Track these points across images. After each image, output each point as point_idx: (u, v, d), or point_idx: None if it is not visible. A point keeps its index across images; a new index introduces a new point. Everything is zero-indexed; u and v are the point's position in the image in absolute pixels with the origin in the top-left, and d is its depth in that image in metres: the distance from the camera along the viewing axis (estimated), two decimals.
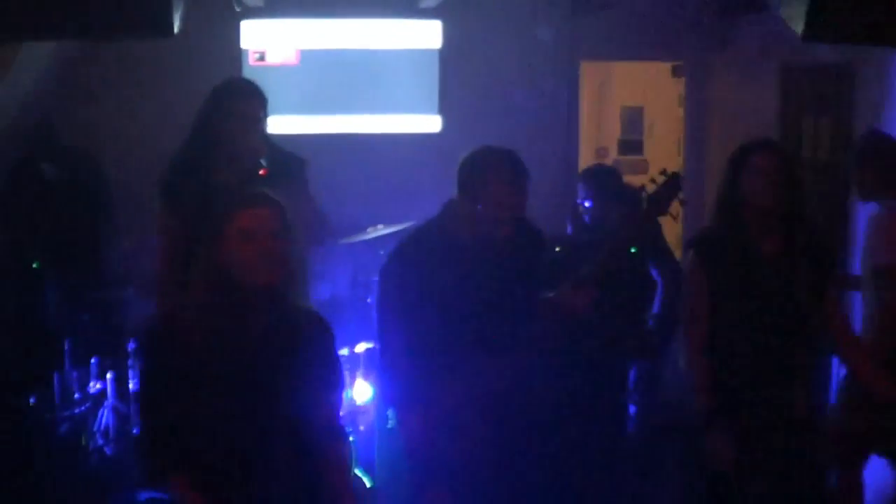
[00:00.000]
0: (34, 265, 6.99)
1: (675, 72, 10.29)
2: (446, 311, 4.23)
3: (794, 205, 4.62)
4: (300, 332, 3.65)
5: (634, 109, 11.15)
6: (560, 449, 4.51)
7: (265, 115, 5.20)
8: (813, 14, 4.56)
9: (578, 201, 6.36)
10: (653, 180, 4.39)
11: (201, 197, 4.89)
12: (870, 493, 5.50)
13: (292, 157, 5.37)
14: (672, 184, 4.41)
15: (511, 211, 4.21)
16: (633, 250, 6.34)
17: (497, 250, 4.29)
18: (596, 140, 11.60)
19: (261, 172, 5.07)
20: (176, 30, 4.45)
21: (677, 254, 6.98)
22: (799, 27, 4.67)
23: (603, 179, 6.33)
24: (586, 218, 6.27)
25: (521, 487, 4.31)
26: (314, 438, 3.68)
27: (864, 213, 5.69)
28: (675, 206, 4.45)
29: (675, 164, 9.73)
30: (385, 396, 4.55)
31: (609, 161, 11.43)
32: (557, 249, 6.21)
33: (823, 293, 4.70)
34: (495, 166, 4.25)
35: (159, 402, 3.59)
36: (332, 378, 3.77)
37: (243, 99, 5.17)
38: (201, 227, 3.72)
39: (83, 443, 7.07)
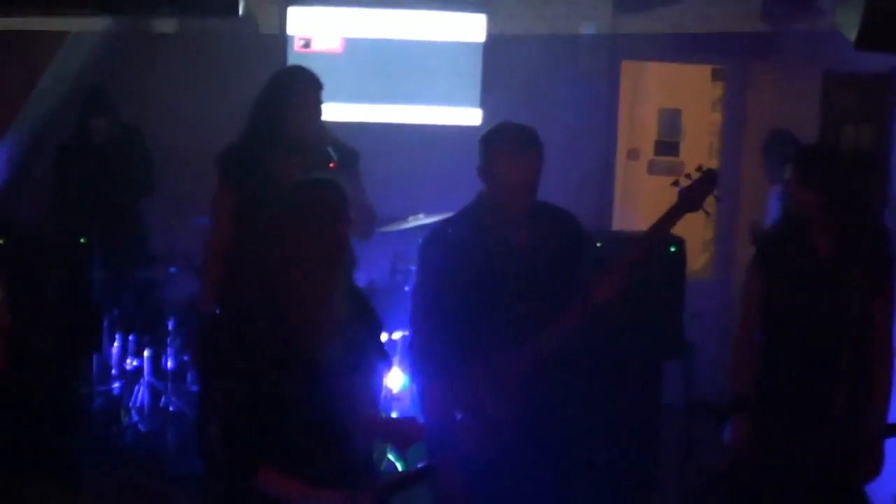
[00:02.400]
0: (82, 240, 7.08)
1: (715, 75, 10.30)
2: (474, 297, 4.22)
3: (848, 209, 4.67)
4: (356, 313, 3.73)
5: (672, 111, 11.12)
6: (582, 444, 4.49)
7: (320, 102, 5.29)
8: (867, 22, 4.58)
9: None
10: (688, 176, 4.37)
11: (262, 185, 4.96)
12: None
13: (347, 148, 5.44)
14: (707, 180, 4.38)
15: (515, 181, 4.12)
16: (672, 249, 6.41)
17: (528, 238, 4.27)
18: (628, 141, 11.60)
19: (330, 165, 5.13)
20: (241, 11, 4.51)
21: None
22: (852, 34, 4.69)
23: None
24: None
25: (538, 480, 4.32)
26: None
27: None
28: (710, 203, 4.44)
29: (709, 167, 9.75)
30: (412, 372, 4.55)
31: (642, 162, 11.44)
32: (599, 245, 6.22)
33: (874, 300, 4.75)
34: (498, 137, 4.20)
35: (243, 401, 3.62)
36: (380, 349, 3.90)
37: (308, 88, 5.25)
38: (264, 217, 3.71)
39: (120, 418, 7.15)
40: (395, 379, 6.64)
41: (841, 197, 4.69)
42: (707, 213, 4.45)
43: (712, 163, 9.57)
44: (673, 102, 10.89)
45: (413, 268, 7.15)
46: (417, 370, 4.38)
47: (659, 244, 4.49)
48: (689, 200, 4.31)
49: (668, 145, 11.12)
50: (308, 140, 5.19)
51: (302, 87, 5.25)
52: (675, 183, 4.36)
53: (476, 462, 4.24)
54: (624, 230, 8.62)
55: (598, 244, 6.11)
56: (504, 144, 4.16)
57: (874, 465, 4.87)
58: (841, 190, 4.70)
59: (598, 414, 4.74)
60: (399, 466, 6.31)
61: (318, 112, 5.26)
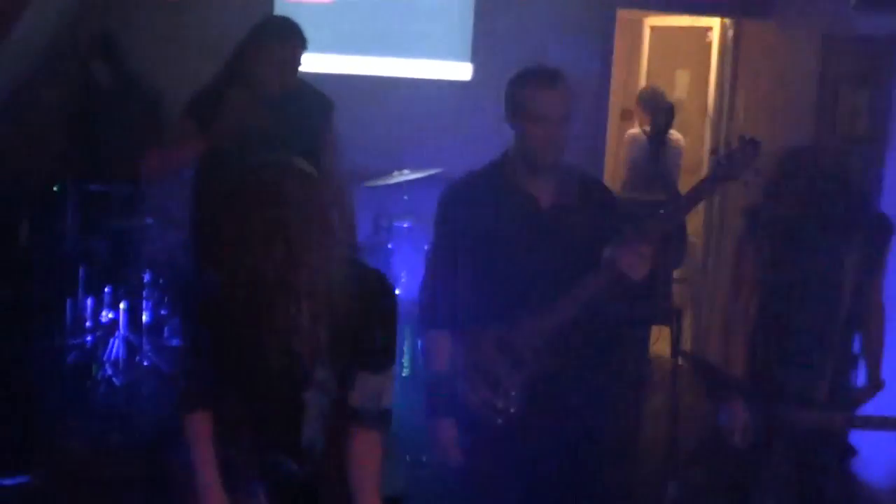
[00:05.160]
0: (54, 188, 6.91)
1: (710, 36, 10.13)
2: (495, 256, 4.05)
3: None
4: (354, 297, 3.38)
5: (669, 73, 10.93)
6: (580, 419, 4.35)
7: (301, 57, 5.07)
8: None
9: None
10: (728, 144, 4.17)
11: (228, 133, 4.82)
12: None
13: (320, 97, 5.23)
14: (750, 149, 4.20)
15: (554, 115, 3.96)
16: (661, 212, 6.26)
17: (555, 198, 4.10)
18: (622, 102, 11.44)
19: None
20: None
21: None
22: None
23: None
24: None
25: (537, 444, 4.19)
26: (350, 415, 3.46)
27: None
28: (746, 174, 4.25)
29: (701, 128, 9.60)
30: (418, 326, 4.36)
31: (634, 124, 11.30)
32: (662, 212, 6.07)
33: (871, 274, 4.60)
34: (529, 76, 4.03)
35: (205, 338, 3.44)
36: (376, 356, 3.47)
37: (281, 42, 5.02)
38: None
39: (93, 372, 7.01)
40: None
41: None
42: (746, 184, 4.23)
43: (707, 125, 9.47)
44: (669, 63, 10.70)
45: (397, 224, 7.03)
46: (425, 320, 4.20)
47: (689, 212, 4.28)
48: (728, 169, 4.12)
49: None
50: (276, 94, 4.98)
51: (278, 41, 5.02)
52: (715, 152, 4.17)
53: (479, 426, 4.11)
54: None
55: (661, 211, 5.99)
56: (537, 81, 4.00)
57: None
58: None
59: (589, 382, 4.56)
60: None
61: (294, 68, 5.03)
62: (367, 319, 3.38)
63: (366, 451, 3.46)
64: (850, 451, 4.76)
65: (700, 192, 4.16)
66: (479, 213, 4.08)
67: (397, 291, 6.68)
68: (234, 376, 3.42)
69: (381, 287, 3.48)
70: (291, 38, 5.01)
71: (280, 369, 3.36)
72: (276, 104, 4.93)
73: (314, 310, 3.29)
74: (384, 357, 3.47)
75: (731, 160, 4.10)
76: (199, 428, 3.46)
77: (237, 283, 3.28)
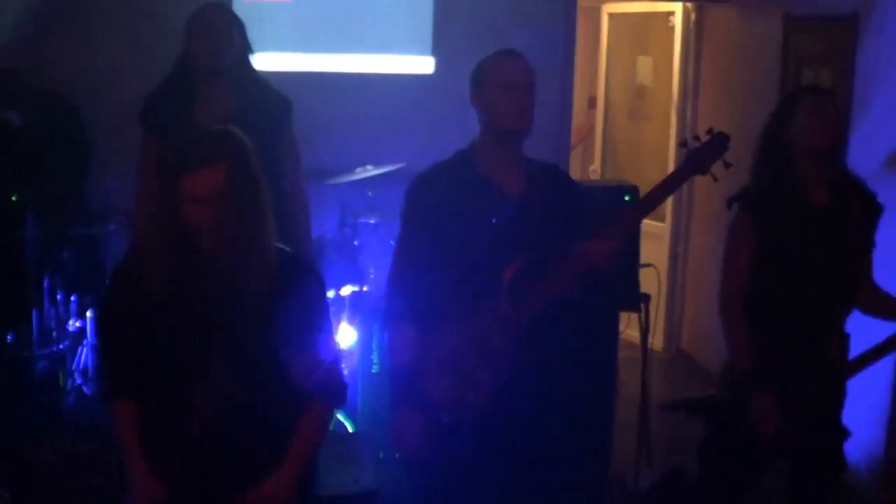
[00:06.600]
0: (13, 198, 6.83)
1: (672, 21, 10.13)
2: (462, 247, 4.06)
3: (841, 152, 4.52)
4: (276, 277, 3.54)
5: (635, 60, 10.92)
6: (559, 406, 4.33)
7: (239, 36, 5.06)
8: None
9: None
10: (696, 137, 4.16)
11: (182, 133, 4.77)
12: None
13: (278, 97, 5.22)
14: (717, 143, 4.17)
15: (516, 79, 4.04)
16: (627, 198, 6.25)
17: (522, 188, 4.13)
18: (588, 89, 11.42)
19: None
20: None
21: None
22: None
23: None
24: None
25: (509, 437, 4.17)
26: (287, 382, 3.63)
27: None
28: (718, 168, 4.23)
29: (667, 114, 9.58)
30: (383, 319, 4.35)
31: (598, 110, 11.24)
32: (627, 198, 6.09)
33: (868, 248, 4.63)
34: (494, 54, 4.17)
35: (116, 331, 3.66)
36: (310, 322, 3.66)
37: (207, 12, 5.05)
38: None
39: (61, 382, 6.94)
40: (345, 335, 6.45)
41: (843, 135, 4.54)
42: (715, 179, 4.22)
43: (672, 110, 9.44)
44: (630, 49, 10.68)
45: (362, 220, 6.99)
46: (391, 313, 4.21)
47: (657, 206, 4.28)
48: (697, 163, 4.11)
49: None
50: (222, 69, 4.97)
51: (204, 11, 5.04)
52: (683, 144, 4.18)
53: (450, 420, 4.12)
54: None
55: (627, 198, 6.03)
56: (501, 52, 4.16)
57: None
58: (844, 127, 4.56)
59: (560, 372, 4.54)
60: (349, 427, 6.14)
61: (216, 32, 5.00)
62: (289, 301, 3.54)
63: (306, 421, 3.68)
64: (845, 433, 4.75)
65: (669, 185, 4.16)
66: (445, 203, 4.09)
67: (365, 288, 6.66)
68: (146, 345, 3.55)
69: (304, 270, 3.71)
70: (216, 8, 5.13)
71: (190, 336, 3.50)
72: (236, 96, 4.94)
73: (231, 279, 3.45)
74: (315, 336, 3.66)
75: (700, 154, 4.10)
76: (123, 415, 3.63)
77: (152, 248, 3.49)
